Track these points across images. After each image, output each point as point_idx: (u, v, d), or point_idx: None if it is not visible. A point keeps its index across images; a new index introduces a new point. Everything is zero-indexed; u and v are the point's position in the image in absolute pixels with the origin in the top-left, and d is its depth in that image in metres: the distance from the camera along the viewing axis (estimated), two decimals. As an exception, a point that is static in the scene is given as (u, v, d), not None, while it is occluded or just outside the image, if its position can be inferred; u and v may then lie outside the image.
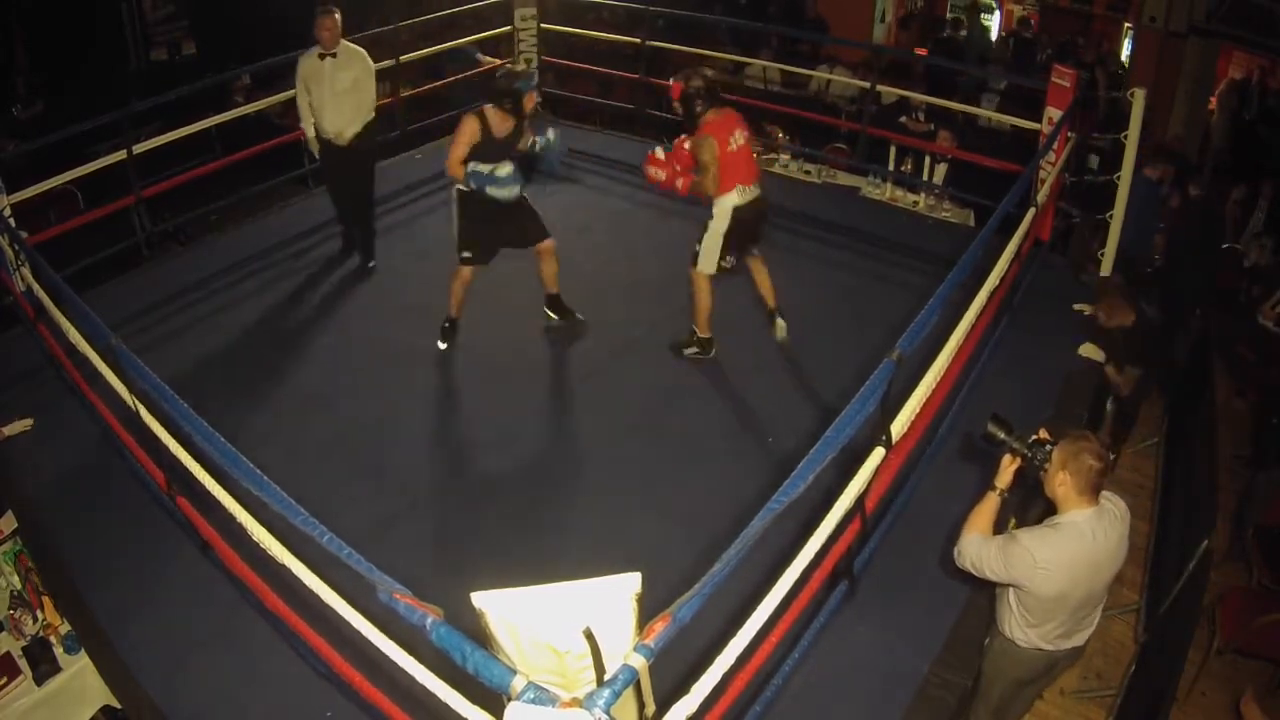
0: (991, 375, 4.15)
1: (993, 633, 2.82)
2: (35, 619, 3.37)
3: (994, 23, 10.67)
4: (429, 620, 1.71)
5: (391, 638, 1.96)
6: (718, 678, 1.90)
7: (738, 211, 4.22)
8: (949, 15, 10.43)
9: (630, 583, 1.55)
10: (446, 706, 1.77)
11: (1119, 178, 5.06)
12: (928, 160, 6.34)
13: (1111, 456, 4.13)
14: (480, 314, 4.73)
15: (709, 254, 4.32)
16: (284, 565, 2.20)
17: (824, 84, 8.43)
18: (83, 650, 3.27)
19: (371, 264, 5.47)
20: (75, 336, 3.43)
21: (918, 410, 2.81)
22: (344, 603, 2.10)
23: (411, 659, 1.89)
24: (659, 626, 1.63)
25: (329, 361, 4.70)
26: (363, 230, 5.47)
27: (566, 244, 4.85)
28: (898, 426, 2.71)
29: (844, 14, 9.67)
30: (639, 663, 1.57)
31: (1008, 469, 2.62)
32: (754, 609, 2.09)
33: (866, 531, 2.96)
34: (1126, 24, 9.65)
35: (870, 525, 2.98)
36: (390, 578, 1.82)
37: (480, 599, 1.55)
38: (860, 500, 2.71)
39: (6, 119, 7.85)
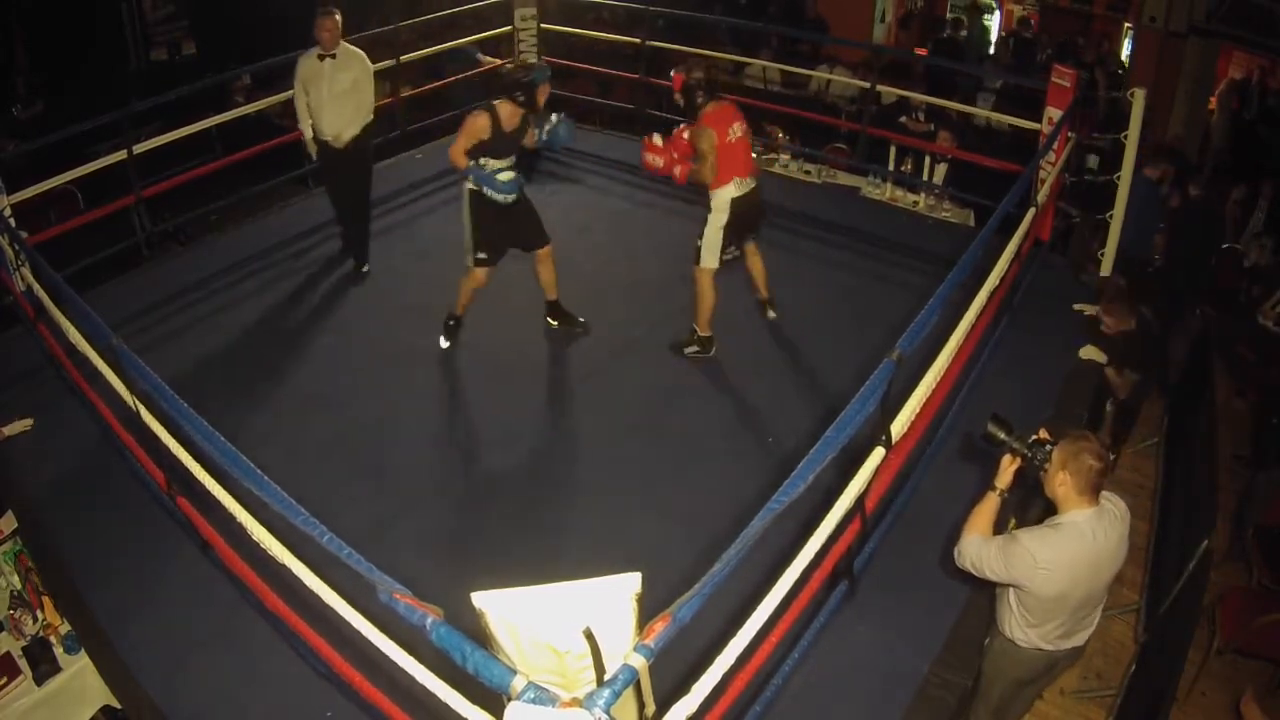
0: (991, 375, 4.15)
1: (993, 633, 2.82)
2: (35, 619, 3.38)
3: (994, 23, 10.67)
4: (429, 620, 1.71)
5: (391, 638, 1.96)
6: (718, 678, 1.90)
7: (735, 204, 4.24)
8: (949, 15, 10.43)
9: (630, 583, 1.55)
10: (446, 706, 1.78)
11: (1119, 178, 5.06)
12: (928, 160, 6.34)
13: (1111, 456, 4.13)
14: (480, 314, 4.72)
15: (711, 249, 4.33)
16: (284, 565, 2.20)
17: (824, 84, 8.44)
18: (83, 650, 3.27)
19: (365, 268, 5.41)
20: (75, 336, 3.43)
21: (918, 410, 2.81)
22: (344, 603, 2.10)
23: (411, 659, 1.89)
24: (659, 626, 1.63)
25: (329, 361, 4.70)
26: (358, 233, 5.43)
27: (566, 244, 4.85)
28: (898, 426, 2.71)
29: (844, 14, 9.67)
30: (639, 663, 1.57)
31: (1008, 469, 2.61)
32: (754, 609, 2.09)
33: (866, 531, 2.96)
34: (1126, 24, 9.66)
35: (870, 525, 2.98)
36: (390, 578, 1.82)
37: (480, 599, 1.55)
38: (860, 500, 2.71)
39: (6, 119, 7.85)
